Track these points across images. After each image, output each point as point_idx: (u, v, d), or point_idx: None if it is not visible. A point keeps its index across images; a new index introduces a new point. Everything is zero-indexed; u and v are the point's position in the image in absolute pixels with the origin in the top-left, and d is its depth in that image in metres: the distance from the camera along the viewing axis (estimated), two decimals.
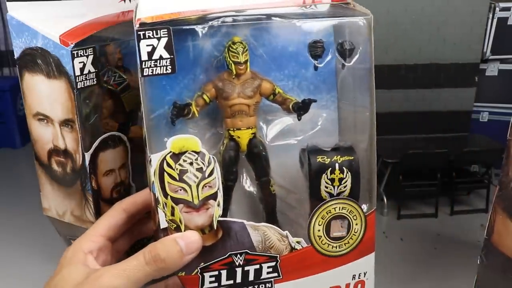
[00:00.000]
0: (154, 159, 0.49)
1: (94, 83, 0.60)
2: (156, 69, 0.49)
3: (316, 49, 0.59)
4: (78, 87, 0.58)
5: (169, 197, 0.50)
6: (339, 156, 0.59)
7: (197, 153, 0.51)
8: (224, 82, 0.54)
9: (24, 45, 0.61)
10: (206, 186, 0.51)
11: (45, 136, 0.67)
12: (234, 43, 0.54)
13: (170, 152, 0.50)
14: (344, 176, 0.59)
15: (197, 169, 0.52)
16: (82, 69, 0.58)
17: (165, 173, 0.50)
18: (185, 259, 0.36)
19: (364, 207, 0.62)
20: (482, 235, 0.65)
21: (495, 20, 1.30)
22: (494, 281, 0.61)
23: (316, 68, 0.60)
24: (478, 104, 1.43)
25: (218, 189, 0.53)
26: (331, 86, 0.62)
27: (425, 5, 1.26)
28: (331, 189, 0.59)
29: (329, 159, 0.59)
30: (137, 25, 0.48)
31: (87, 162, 0.63)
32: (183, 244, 0.36)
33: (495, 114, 1.47)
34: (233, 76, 0.55)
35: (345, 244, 0.61)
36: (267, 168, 0.59)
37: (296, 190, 0.62)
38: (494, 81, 1.41)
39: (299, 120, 0.59)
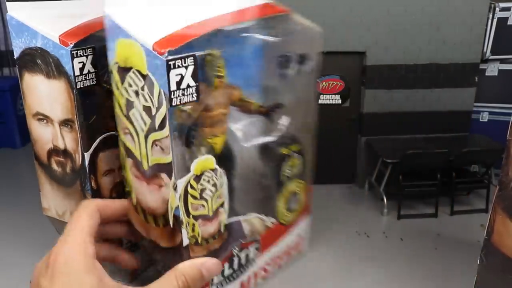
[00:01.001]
0: (180, 184, 0.50)
1: (93, 83, 0.60)
2: (183, 98, 0.47)
3: (284, 62, 0.70)
4: (78, 87, 0.58)
5: (191, 216, 0.52)
6: (293, 146, 0.73)
7: (213, 170, 0.53)
8: (203, 94, 0.56)
9: (23, 45, 0.61)
10: (218, 197, 0.54)
11: (45, 136, 0.67)
12: (214, 58, 0.56)
13: (194, 175, 0.51)
14: (298, 161, 0.74)
15: (212, 185, 0.55)
16: (81, 69, 0.57)
17: (189, 195, 0.51)
18: (205, 282, 0.37)
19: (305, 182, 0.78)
20: (482, 235, 0.65)
21: (495, 20, 1.30)
22: (494, 281, 0.61)
23: (283, 77, 0.70)
24: (478, 104, 1.43)
25: (225, 197, 0.56)
26: (279, 88, 0.71)
27: (425, 5, 1.26)
28: (288, 173, 0.72)
29: (288, 150, 0.72)
30: (166, 54, 0.45)
31: (86, 162, 0.63)
32: (206, 272, 0.37)
33: (495, 114, 1.47)
34: (213, 89, 0.57)
35: (296, 212, 0.76)
36: (234, 164, 0.65)
37: (261, 178, 0.70)
38: (494, 81, 1.42)
39: (271, 122, 0.67)
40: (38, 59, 0.61)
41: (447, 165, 1.24)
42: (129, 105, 0.50)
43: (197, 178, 0.52)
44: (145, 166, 0.53)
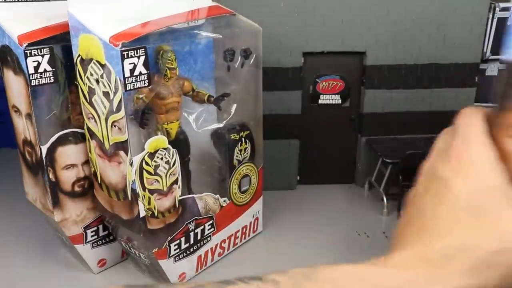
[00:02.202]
0: (136, 160, 0.58)
1: (51, 81, 0.62)
2: (136, 84, 0.56)
3: (230, 55, 0.77)
4: (33, 84, 0.61)
5: (146, 189, 0.60)
6: (242, 132, 0.81)
7: (165, 149, 0.62)
8: (157, 84, 0.63)
9: (0, 42, 0.64)
10: (171, 174, 0.62)
11: (19, 126, 0.72)
12: (165, 51, 0.64)
13: (148, 152, 0.60)
14: (247, 146, 0.82)
15: (166, 162, 0.63)
16: (36, 68, 0.60)
17: (144, 170, 0.60)
18: None
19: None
20: None
21: (495, 20, 1.30)
22: None
23: (229, 68, 0.77)
24: (478, 104, 1.43)
25: (178, 174, 0.64)
26: (227, 79, 0.80)
27: (425, 5, 1.26)
28: (239, 157, 0.80)
29: (238, 136, 0.79)
30: (119, 46, 0.53)
31: (44, 155, 0.66)
32: None
33: None
34: (167, 79, 0.65)
35: (248, 194, 0.84)
36: (189, 150, 0.74)
37: (215, 162, 0.80)
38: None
39: (220, 110, 0.76)
40: (8, 56, 0.64)
41: None
42: (91, 92, 0.57)
43: (151, 155, 0.61)
44: (107, 145, 0.60)
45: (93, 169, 0.62)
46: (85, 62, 0.54)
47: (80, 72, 0.55)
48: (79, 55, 0.55)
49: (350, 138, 1.43)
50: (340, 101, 1.37)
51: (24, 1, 0.64)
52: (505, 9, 1.29)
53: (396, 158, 1.22)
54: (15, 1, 0.63)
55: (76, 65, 0.56)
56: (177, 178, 0.62)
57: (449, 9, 1.25)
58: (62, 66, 0.64)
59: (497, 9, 1.29)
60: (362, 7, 1.23)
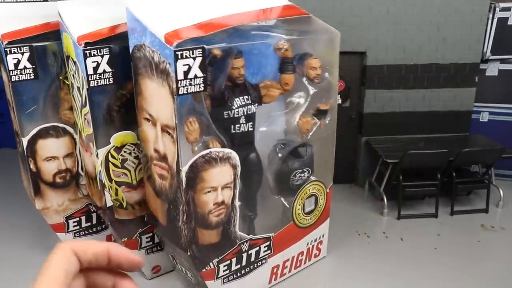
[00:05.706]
0: (100, 153, 0.60)
1: (31, 77, 0.65)
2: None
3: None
4: (13, 80, 0.65)
5: (113, 181, 0.61)
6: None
7: (135, 144, 0.63)
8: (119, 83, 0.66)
9: None
10: (141, 169, 0.63)
11: (12, 118, 0.76)
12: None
13: (114, 146, 0.62)
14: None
15: (135, 157, 0.64)
16: (16, 65, 0.63)
17: (110, 163, 0.61)
18: (109, 262, 0.33)
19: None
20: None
21: (495, 20, 1.30)
22: None
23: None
24: (478, 104, 1.43)
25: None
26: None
27: (425, 5, 1.26)
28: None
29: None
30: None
31: (24, 146, 0.70)
32: (112, 248, 0.33)
33: (495, 114, 1.47)
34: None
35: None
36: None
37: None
38: (494, 81, 1.41)
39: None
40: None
41: (447, 165, 1.24)
42: (72, 86, 0.60)
43: (118, 149, 0.63)
44: (83, 136, 0.64)
45: (81, 157, 0.65)
46: (68, 58, 0.57)
47: (66, 68, 0.58)
48: (64, 52, 0.58)
49: (351, 138, 1.43)
50: (340, 101, 1.37)
51: (22, 1, 0.65)
52: (505, 9, 1.28)
53: (396, 158, 1.22)
54: (12, 1, 0.64)
55: (64, 61, 0.59)
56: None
57: (449, 9, 1.25)
58: (58, 63, 0.66)
59: (497, 9, 1.29)
60: (362, 7, 1.23)
